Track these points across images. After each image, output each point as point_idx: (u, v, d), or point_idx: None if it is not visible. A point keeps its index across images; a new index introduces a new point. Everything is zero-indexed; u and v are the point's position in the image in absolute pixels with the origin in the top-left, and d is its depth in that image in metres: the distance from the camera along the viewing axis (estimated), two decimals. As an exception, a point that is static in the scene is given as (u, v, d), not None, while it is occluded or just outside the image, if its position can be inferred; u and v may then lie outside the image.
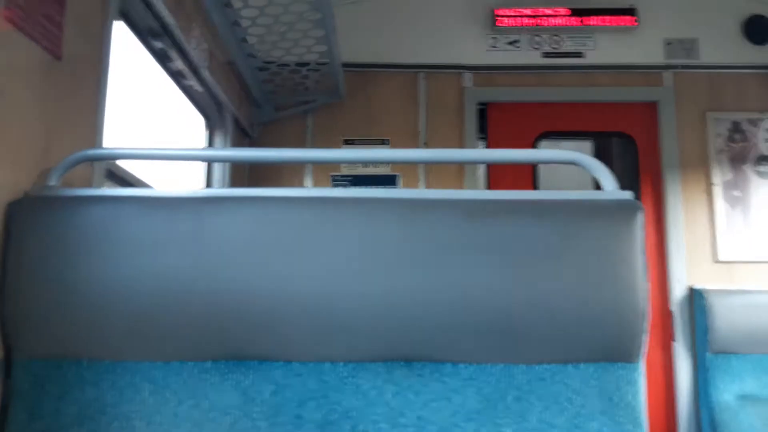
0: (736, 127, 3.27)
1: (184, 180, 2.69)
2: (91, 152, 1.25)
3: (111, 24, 1.60)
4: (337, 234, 1.08)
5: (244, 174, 3.12)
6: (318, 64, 2.82)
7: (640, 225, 1.08)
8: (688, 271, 3.15)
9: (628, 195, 1.13)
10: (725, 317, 2.90)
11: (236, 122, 2.89)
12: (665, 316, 3.15)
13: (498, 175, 3.30)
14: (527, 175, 3.31)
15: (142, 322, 1.08)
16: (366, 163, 3.27)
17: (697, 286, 3.06)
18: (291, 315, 1.06)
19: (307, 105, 3.26)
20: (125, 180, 1.79)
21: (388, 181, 3.24)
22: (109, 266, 1.08)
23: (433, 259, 1.06)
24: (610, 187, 1.14)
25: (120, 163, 1.76)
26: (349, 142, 3.29)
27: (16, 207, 1.12)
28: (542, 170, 3.34)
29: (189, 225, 1.09)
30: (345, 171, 3.25)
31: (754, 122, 3.28)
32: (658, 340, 3.15)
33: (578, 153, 1.19)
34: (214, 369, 1.08)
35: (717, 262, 3.15)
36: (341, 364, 1.07)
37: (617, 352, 1.06)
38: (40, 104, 1.27)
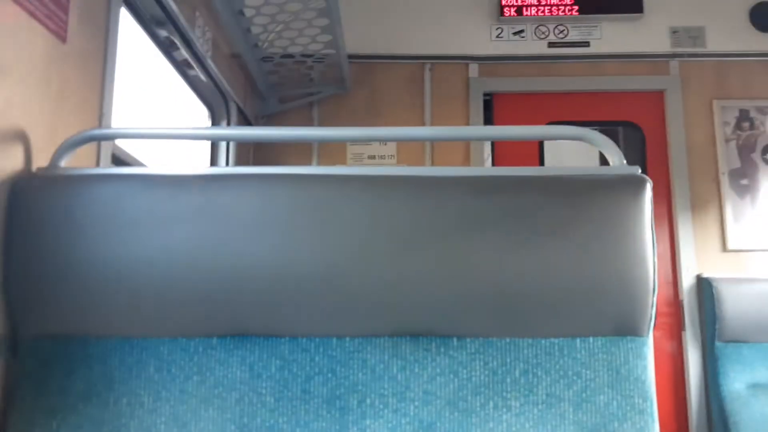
0: (743, 116, 3.25)
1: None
2: (97, 132, 1.25)
3: (118, 10, 1.60)
4: (343, 211, 1.08)
5: (248, 160, 3.12)
6: (323, 54, 2.82)
7: (648, 198, 1.07)
8: (697, 260, 3.13)
9: (635, 169, 1.12)
10: (734, 306, 2.88)
11: (240, 113, 2.89)
12: (674, 305, 3.13)
13: (504, 160, 3.28)
14: (533, 159, 3.29)
15: (148, 300, 1.08)
16: (372, 155, 3.26)
17: (706, 274, 3.04)
18: (297, 291, 1.06)
19: (312, 96, 3.25)
20: (130, 164, 1.79)
21: (394, 171, 3.24)
22: (115, 244, 1.08)
23: (440, 235, 1.06)
24: (618, 162, 1.14)
25: (125, 147, 1.76)
26: (355, 128, 3.29)
27: (22, 186, 1.12)
28: (548, 155, 3.32)
29: (195, 202, 1.09)
30: (351, 163, 3.25)
31: (762, 110, 3.25)
32: (667, 329, 3.13)
33: (585, 129, 1.18)
34: (220, 345, 1.08)
35: (726, 251, 3.13)
36: (348, 339, 1.07)
37: (625, 326, 1.05)
38: (45, 85, 1.27)
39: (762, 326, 2.86)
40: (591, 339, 1.05)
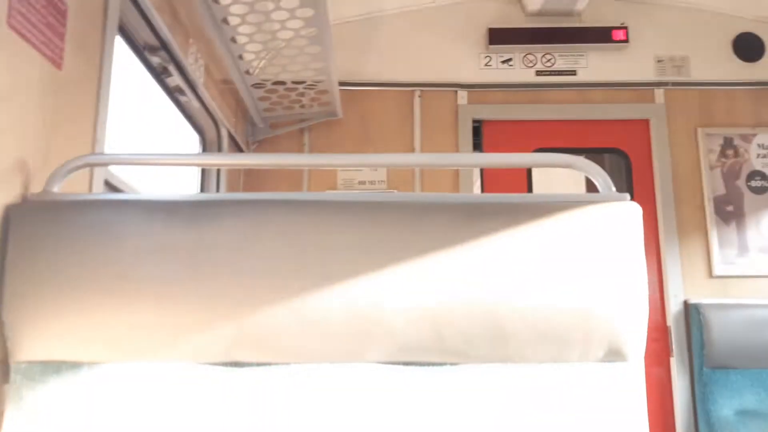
0: (728, 143, 3.31)
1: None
2: (92, 158, 1.26)
3: (113, 37, 1.62)
4: (333, 237, 1.09)
5: (238, 184, 3.13)
6: (314, 81, 2.84)
7: (639, 225, 1.09)
8: (684, 286, 3.16)
9: (624, 197, 1.14)
10: (722, 332, 2.90)
11: (232, 139, 2.90)
12: (662, 331, 3.15)
13: (493, 185, 3.31)
14: (522, 184, 3.32)
15: (140, 326, 1.07)
16: (362, 181, 3.28)
17: (693, 300, 3.06)
18: (287, 317, 1.06)
19: (303, 122, 3.28)
20: (122, 191, 1.79)
21: (385, 196, 3.25)
22: (108, 270, 1.08)
23: (431, 261, 1.07)
24: (607, 189, 1.16)
25: (117, 173, 1.77)
26: (345, 155, 3.31)
27: (15, 211, 1.12)
28: (536, 180, 3.36)
29: (187, 229, 1.10)
30: (341, 188, 3.26)
31: (745, 138, 3.31)
32: (655, 355, 3.14)
33: (575, 156, 1.20)
34: (212, 372, 1.08)
35: (712, 277, 3.16)
36: (339, 365, 1.07)
37: (617, 352, 1.06)
38: (40, 112, 1.28)
39: (749, 352, 2.88)
40: (582, 365, 1.06)
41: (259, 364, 1.08)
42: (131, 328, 1.08)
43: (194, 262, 1.08)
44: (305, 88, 2.92)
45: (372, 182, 3.29)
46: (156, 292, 1.07)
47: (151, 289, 1.07)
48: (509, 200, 1.14)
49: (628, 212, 1.10)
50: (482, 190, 3.32)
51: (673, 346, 3.10)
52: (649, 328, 1.11)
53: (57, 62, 1.34)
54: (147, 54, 2.08)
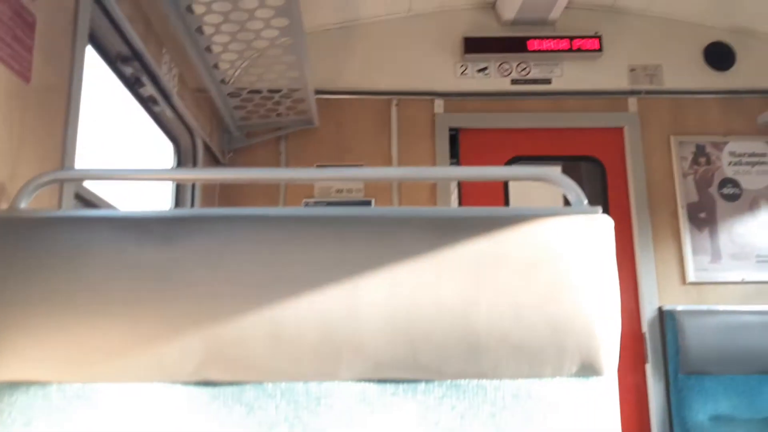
0: (700, 151, 3.35)
1: (151, 205, 2.66)
2: (61, 173, 1.23)
3: (83, 48, 1.59)
4: (308, 253, 1.08)
5: (214, 200, 3.10)
6: (290, 90, 2.83)
7: (610, 238, 1.10)
8: (658, 292, 3.19)
9: (596, 209, 1.14)
10: (696, 337, 2.93)
11: (207, 148, 2.88)
12: (637, 338, 3.18)
13: (470, 202, 3.32)
14: (498, 192, 3.34)
15: (111, 345, 1.06)
16: (340, 189, 3.27)
17: (667, 306, 3.10)
18: (261, 335, 1.05)
19: (280, 131, 3.26)
20: (93, 203, 1.76)
21: (362, 206, 3.25)
22: (78, 289, 1.06)
23: (404, 277, 1.06)
24: (580, 202, 1.16)
25: (88, 186, 1.74)
26: (322, 168, 3.30)
27: None
28: (513, 189, 3.37)
29: (158, 246, 1.08)
30: (318, 196, 3.25)
31: (717, 146, 3.36)
32: (630, 362, 3.17)
33: (548, 169, 1.21)
34: (183, 391, 1.06)
35: (686, 283, 3.20)
36: (313, 383, 1.06)
37: (590, 366, 1.06)
38: (7, 126, 1.25)
39: (723, 358, 2.91)
40: (557, 379, 1.06)
41: (231, 383, 1.07)
42: (101, 347, 1.06)
43: (165, 279, 1.06)
44: (281, 97, 2.91)
45: (349, 191, 3.28)
46: (126, 310, 1.05)
47: (121, 308, 1.05)
48: (482, 214, 1.14)
49: (600, 225, 1.11)
50: (459, 198, 3.33)
51: (648, 353, 3.12)
52: (624, 335, 1.11)
53: (25, 75, 1.31)
54: (119, 64, 2.05)
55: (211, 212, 1.14)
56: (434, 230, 1.10)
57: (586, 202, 1.16)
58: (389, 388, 1.06)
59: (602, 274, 1.07)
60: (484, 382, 1.06)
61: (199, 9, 2.10)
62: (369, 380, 1.07)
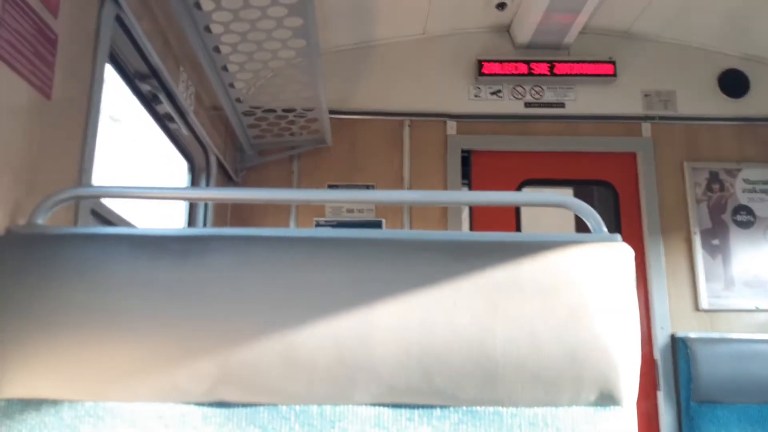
0: (713, 177, 3.34)
1: (165, 223, 2.67)
2: (79, 190, 1.24)
3: (102, 65, 1.61)
4: (323, 275, 1.07)
5: (225, 218, 3.11)
6: (304, 110, 2.85)
7: (630, 266, 1.09)
8: (670, 318, 3.16)
9: (616, 237, 1.13)
10: (709, 365, 2.90)
11: (220, 166, 2.89)
12: (649, 364, 3.14)
13: (481, 223, 3.31)
14: (510, 224, 3.33)
15: (124, 363, 1.05)
16: (351, 209, 3.27)
17: (680, 333, 3.06)
18: (275, 356, 1.04)
19: (293, 150, 3.28)
20: (109, 220, 1.77)
21: (373, 225, 3.24)
22: (92, 306, 1.06)
23: (419, 301, 1.05)
24: (599, 229, 1.15)
25: (105, 203, 1.75)
26: (334, 188, 3.30)
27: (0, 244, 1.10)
28: (525, 216, 3.37)
29: (173, 264, 1.08)
30: (329, 216, 3.25)
31: (730, 172, 3.35)
32: (641, 388, 3.13)
33: (566, 196, 1.20)
34: (197, 412, 1.05)
35: (698, 310, 3.17)
36: (328, 406, 1.05)
37: (609, 395, 1.04)
38: (28, 143, 1.26)
39: (736, 387, 2.87)
40: (573, 408, 1.05)
41: (245, 405, 1.06)
42: (114, 366, 1.05)
43: (179, 298, 1.06)
44: (295, 116, 2.92)
45: (360, 210, 3.28)
46: (140, 329, 1.05)
47: (135, 326, 1.05)
48: (500, 239, 1.13)
49: (620, 254, 1.09)
50: (471, 222, 3.32)
51: (660, 380, 3.09)
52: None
53: (46, 92, 1.32)
54: (137, 81, 2.07)
55: (227, 232, 1.14)
56: (450, 254, 1.09)
57: (605, 230, 1.15)
58: (404, 412, 1.05)
59: (622, 303, 1.06)
60: (501, 409, 1.04)
61: (216, 29, 2.12)
62: (384, 404, 1.05)
